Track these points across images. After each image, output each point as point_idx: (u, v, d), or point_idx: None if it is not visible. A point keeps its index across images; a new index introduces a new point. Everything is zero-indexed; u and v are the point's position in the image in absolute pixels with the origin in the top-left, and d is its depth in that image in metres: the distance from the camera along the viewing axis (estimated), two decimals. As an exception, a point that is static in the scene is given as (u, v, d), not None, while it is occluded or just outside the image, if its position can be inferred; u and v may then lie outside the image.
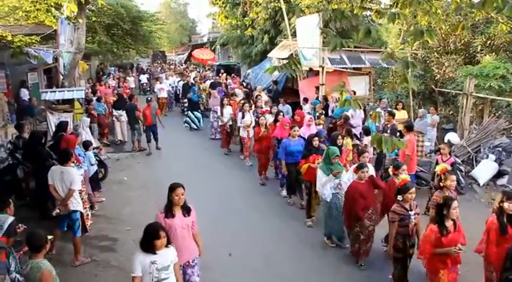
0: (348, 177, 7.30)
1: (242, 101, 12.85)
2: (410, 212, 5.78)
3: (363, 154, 7.55)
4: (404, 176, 6.39)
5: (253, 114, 12.31)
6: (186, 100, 18.49)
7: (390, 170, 7.30)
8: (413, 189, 5.87)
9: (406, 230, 5.79)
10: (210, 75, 24.91)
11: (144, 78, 27.54)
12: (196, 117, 17.06)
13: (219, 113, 14.01)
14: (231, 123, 13.47)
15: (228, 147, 13.69)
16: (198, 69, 30.07)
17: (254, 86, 18.43)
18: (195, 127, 16.98)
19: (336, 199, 7.20)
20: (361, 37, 4.56)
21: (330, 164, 7.20)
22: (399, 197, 5.87)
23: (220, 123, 13.83)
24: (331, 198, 7.17)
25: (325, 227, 7.52)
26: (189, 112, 17.28)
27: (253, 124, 11.75)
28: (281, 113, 11.16)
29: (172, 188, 4.97)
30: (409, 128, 9.29)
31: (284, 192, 9.69)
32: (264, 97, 14.98)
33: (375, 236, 6.81)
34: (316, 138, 8.30)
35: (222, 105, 13.52)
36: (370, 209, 6.65)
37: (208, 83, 19.90)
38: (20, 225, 5.31)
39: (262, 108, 13.17)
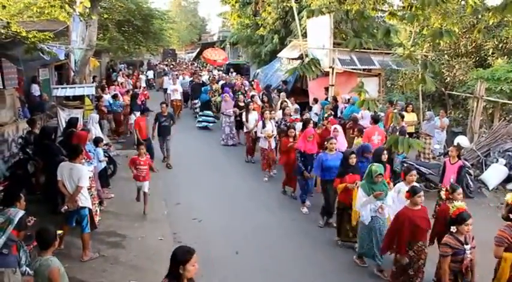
0: (390, 198, 6.56)
1: (262, 109, 12.02)
2: (465, 246, 5.00)
3: (410, 172, 6.71)
4: (460, 203, 5.34)
5: (281, 123, 11.42)
6: (196, 101, 18.26)
7: (443, 193, 6.42)
8: (470, 221, 5.02)
9: (459, 266, 5.06)
10: (223, 75, 24.45)
11: (150, 73, 27.76)
12: (207, 116, 16.76)
13: (232, 118, 13.64)
14: (255, 130, 12.12)
15: (252, 154, 12.59)
16: (210, 69, 29.75)
17: (272, 88, 17.73)
18: (205, 125, 16.66)
19: (375, 223, 6.43)
20: (381, 37, 4.56)
21: (372, 182, 6.41)
22: (453, 228, 5.08)
23: (245, 130, 12.82)
24: (370, 221, 6.42)
25: (359, 247, 6.80)
26: (201, 112, 17.04)
27: (275, 134, 11.01)
28: (311, 122, 9.94)
29: (186, 259, 3.57)
30: (375, 121, 10.26)
31: (305, 209, 8.92)
32: (294, 105, 13.62)
33: (424, 271, 5.93)
34: (354, 156, 7.33)
35: (247, 111, 12.50)
36: (421, 242, 5.78)
37: (220, 83, 19.58)
38: (30, 218, 5.36)
39: (291, 116, 12.03)
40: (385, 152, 7.46)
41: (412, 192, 5.72)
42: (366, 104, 4.43)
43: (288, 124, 10.80)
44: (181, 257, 3.56)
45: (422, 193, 5.71)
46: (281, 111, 12.31)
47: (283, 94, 14.60)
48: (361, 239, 6.69)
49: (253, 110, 12.61)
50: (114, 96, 15.18)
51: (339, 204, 7.48)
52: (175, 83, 19.08)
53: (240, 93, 16.12)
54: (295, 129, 9.60)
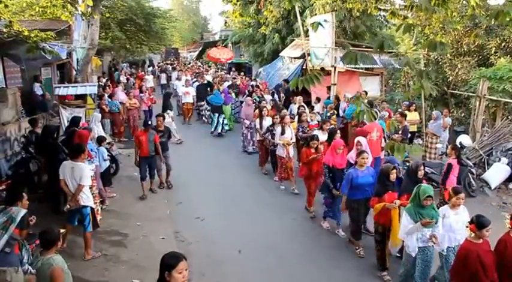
0: (441, 225, 5.64)
1: (281, 114, 10.81)
2: None
3: (457, 194, 5.70)
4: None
5: (299, 129, 10.72)
6: (202, 103, 17.49)
7: (507, 222, 5.26)
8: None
9: None
10: (228, 76, 23.44)
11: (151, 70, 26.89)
12: (219, 121, 15.40)
13: (250, 123, 12.68)
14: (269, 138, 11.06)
15: (263, 164, 11.61)
16: (215, 69, 29.08)
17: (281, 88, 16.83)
18: (219, 131, 15.36)
19: (424, 255, 5.61)
20: (375, 50, 4.57)
21: (420, 206, 5.55)
22: None
23: (258, 138, 11.81)
24: (417, 252, 5.61)
25: (402, 279, 5.98)
26: (212, 114, 15.72)
27: (293, 140, 10.22)
28: (337, 133, 8.99)
29: (171, 264, 3.34)
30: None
31: (326, 224, 8.18)
32: (314, 113, 12.50)
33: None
34: (395, 171, 6.45)
35: (260, 116, 11.47)
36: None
37: (226, 84, 18.69)
38: (32, 217, 5.37)
39: (310, 122, 11.19)
40: (422, 167, 6.55)
41: (479, 225, 4.79)
42: (361, 115, 4.40)
43: (305, 131, 10.45)
44: (166, 261, 3.36)
45: (490, 225, 4.83)
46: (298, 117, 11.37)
47: (300, 98, 13.70)
48: (404, 275, 5.91)
49: (268, 115, 11.55)
50: (111, 96, 14.94)
51: (377, 227, 6.53)
52: (188, 85, 17.77)
53: (257, 97, 14.93)
54: (318, 140, 8.66)
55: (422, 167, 6.52)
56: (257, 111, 11.95)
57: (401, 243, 6.06)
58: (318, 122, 11.26)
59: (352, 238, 7.38)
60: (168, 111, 14.45)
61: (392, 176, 6.36)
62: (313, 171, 8.51)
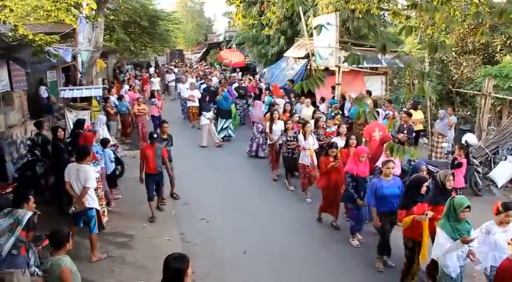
0: (476, 240, 5.12)
1: (303, 121, 10.20)
2: None
3: (508, 211, 5.12)
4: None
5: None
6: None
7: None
8: None
9: None
10: (234, 76, 23.20)
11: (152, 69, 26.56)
12: (223, 127, 14.78)
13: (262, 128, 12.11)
14: (281, 141, 10.68)
15: (276, 169, 11.18)
16: (220, 70, 28.33)
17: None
18: (224, 136, 14.76)
19: (460, 273, 5.17)
20: (377, 52, 4.52)
21: (457, 220, 5.07)
22: None
23: (268, 142, 11.35)
24: (458, 273, 5.11)
25: None
26: (219, 119, 14.84)
27: (316, 146, 9.66)
28: (352, 138, 8.51)
29: (183, 268, 3.47)
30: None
31: (356, 242, 7.55)
32: (310, 108, 12.45)
33: None
34: (426, 184, 5.86)
35: (271, 120, 11.04)
36: None
37: (234, 86, 18.00)
38: (36, 213, 5.42)
39: (327, 129, 10.77)
40: (451, 176, 6.11)
41: None
42: (363, 116, 4.36)
43: (321, 138, 10.12)
44: (175, 265, 3.46)
45: None
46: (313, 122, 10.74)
47: (308, 100, 13.22)
48: None
49: (279, 119, 11.09)
50: (120, 98, 15.13)
51: (407, 241, 6.01)
52: (193, 88, 17.07)
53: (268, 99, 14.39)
54: (337, 148, 8.27)
55: (451, 177, 6.05)
56: (268, 114, 11.63)
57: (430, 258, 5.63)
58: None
59: (378, 255, 6.82)
60: (204, 112, 13.93)
61: (424, 189, 5.79)
62: (331, 181, 8.06)
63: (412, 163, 8.35)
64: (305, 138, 9.50)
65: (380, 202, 6.45)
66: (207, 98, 15.06)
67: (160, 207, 9.00)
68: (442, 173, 6.14)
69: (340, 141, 9.08)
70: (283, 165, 10.62)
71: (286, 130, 10.26)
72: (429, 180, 6.11)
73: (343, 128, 9.69)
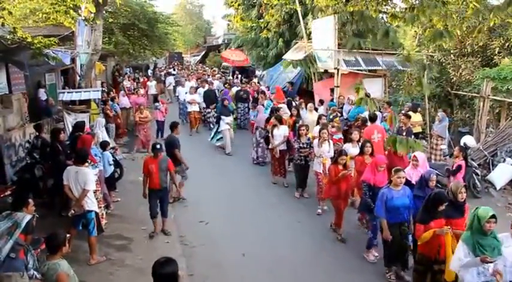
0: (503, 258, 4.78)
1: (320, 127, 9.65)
2: None
3: None
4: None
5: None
6: (209, 110, 16.52)
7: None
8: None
9: None
10: (236, 81, 22.77)
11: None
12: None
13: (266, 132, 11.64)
14: (283, 147, 10.63)
15: (278, 174, 10.92)
16: (225, 74, 27.76)
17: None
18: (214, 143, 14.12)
19: None
20: (380, 38, 4.54)
21: (481, 233, 4.73)
22: None
23: (270, 146, 11.02)
24: None
25: None
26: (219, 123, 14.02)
27: (331, 153, 9.05)
28: (367, 146, 7.87)
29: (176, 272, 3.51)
30: (372, 119, 9.75)
31: (372, 257, 7.09)
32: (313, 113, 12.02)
33: None
34: (446, 203, 5.53)
35: (274, 125, 10.82)
36: None
37: (234, 89, 17.76)
38: (35, 215, 5.41)
39: (333, 136, 10.26)
40: (462, 188, 5.75)
41: None
42: (363, 102, 4.39)
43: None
44: (167, 270, 3.49)
45: None
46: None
47: (310, 104, 12.99)
48: None
49: (281, 123, 10.82)
50: (113, 99, 15.03)
51: (420, 259, 5.76)
52: (194, 92, 16.42)
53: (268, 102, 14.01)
54: (346, 156, 7.90)
55: (463, 189, 5.71)
56: (272, 119, 11.25)
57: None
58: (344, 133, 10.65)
59: (387, 266, 6.59)
60: (223, 117, 13.61)
61: (442, 208, 5.45)
62: (341, 190, 7.70)
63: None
64: (320, 145, 9.05)
65: (389, 213, 6.16)
66: (213, 102, 14.93)
67: (166, 232, 8.06)
68: (454, 185, 5.85)
69: (352, 148, 8.76)
70: (294, 175, 10.19)
71: (299, 136, 9.74)
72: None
73: (356, 135, 9.15)
